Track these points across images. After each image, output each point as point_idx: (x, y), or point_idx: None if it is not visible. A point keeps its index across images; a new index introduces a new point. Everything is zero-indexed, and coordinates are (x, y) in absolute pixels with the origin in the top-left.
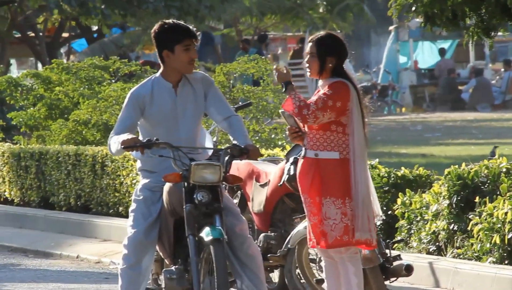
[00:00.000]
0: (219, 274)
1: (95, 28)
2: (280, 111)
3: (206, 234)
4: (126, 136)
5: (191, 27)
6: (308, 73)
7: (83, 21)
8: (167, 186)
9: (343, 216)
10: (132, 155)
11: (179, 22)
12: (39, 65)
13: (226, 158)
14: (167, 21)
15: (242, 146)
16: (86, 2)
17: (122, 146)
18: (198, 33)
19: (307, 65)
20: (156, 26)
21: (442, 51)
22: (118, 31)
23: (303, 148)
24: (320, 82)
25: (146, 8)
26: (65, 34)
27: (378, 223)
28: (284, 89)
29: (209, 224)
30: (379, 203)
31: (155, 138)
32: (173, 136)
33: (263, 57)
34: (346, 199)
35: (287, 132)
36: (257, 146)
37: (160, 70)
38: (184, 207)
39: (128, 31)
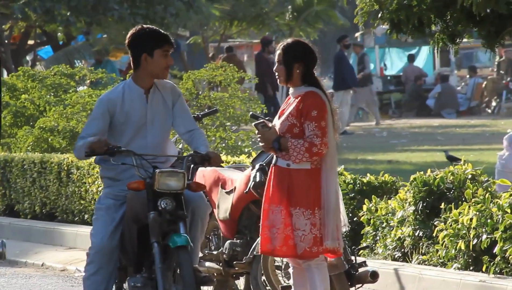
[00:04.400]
0: (187, 281)
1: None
2: (253, 124)
3: (171, 241)
4: (93, 139)
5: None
6: (278, 81)
7: (47, 29)
8: (130, 194)
9: (312, 227)
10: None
11: (154, 27)
12: (4, 72)
13: (192, 165)
14: (145, 26)
15: (203, 153)
16: (51, 9)
17: (86, 151)
18: (177, 45)
19: (276, 73)
20: (134, 30)
21: (410, 57)
22: (83, 39)
23: (274, 156)
24: (291, 90)
25: (111, 16)
26: (30, 42)
27: (344, 229)
28: (278, 147)
29: (173, 231)
30: (345, 211)
31: (117, 145)
32: (140, 142)
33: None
34: (315, 209)
35: (261, 143)
36: (219, 154)
37: (132, 75)
38: (148, 214)
39: (92, 38)
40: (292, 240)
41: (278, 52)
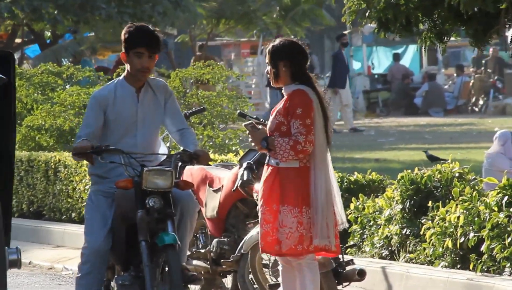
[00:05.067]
0: (174, 279)
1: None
2: (243, 124)
3: (159, 240)
4: (80, 142)
5: (161, 37)
6: (271, 82)
7: (35, 27)
8: (118, 192)
9: (299, 225)
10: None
11: (144, 27)
12: None
13: (179, 164)
14: (136, 24)
15: (192, 151)
16: (38, 8)
17: (73, 153)
18: (164, 44)
19: (268, 75)
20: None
21: (396, 56)
22: (71, 37)
23: (268, 155)
24: (283, 89)
25: (99, 14)
26: (18, 40)
27: (341, 228)
28: (266, 146)
29: (161, 230)
30: (343, 209)
31: (105, 144)
32: (130, 141)
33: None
34: (303, 208)
35: (252, 143)
36: (207, 152)
37: (124, 74)
38: (136, 213)
39: (79, 36)
40: (271, 237)
41: (267, 54)
